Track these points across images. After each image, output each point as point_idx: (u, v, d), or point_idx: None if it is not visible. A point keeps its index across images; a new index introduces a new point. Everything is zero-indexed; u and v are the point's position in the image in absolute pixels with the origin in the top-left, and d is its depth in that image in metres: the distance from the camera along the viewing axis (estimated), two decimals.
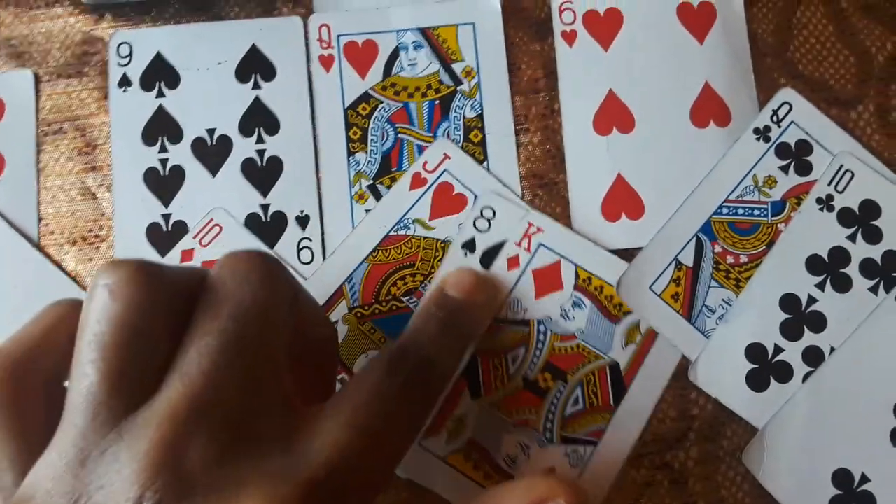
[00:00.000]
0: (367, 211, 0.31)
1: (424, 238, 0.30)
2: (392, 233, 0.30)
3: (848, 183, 0.31)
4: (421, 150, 0.32)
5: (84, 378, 0.18)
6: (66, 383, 0.19)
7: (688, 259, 0.30)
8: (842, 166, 0.31)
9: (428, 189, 0.31)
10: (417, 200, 0.31)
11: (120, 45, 0.32)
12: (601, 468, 0.29)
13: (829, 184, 0.31)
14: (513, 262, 0.30)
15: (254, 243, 0.31)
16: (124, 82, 0.32)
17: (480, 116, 0.32)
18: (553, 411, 0.29)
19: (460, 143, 0.32)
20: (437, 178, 0.31)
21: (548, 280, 0.30)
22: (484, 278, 0.28)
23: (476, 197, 0.31)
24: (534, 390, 0.29)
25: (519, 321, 0.30)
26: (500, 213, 0.30)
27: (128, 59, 0.32)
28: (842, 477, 0.28)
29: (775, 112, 0.31)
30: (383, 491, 0.21)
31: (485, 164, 0.32)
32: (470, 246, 0.30)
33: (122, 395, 0.18)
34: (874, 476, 0.28)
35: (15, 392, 0.19)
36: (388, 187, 0.31)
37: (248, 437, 0.18)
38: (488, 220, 0.30)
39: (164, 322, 0.19)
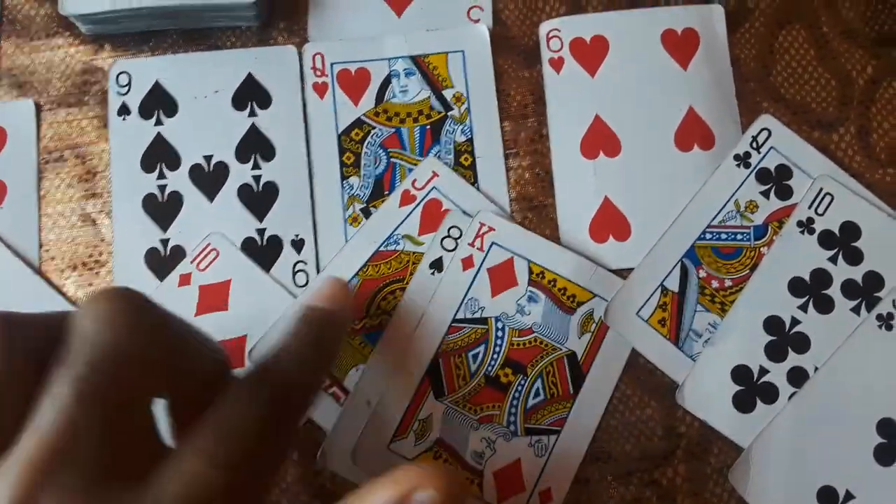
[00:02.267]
0: None
1: (414, 253, 0.31)
2: (382, 248, 0.31)
3: (828, 206, 0.31)
4: None
5: None
6: None
7: (673, 284, 0.31)
8: (821, 189, 0.32)
9: (417, 205, 0.32)
10: (407, 217, 0.32)
11: (119, 74, 0.33)
12: (566, 454, 0.30)
13: (810, 207, 0.31)
14: (467, 262, 0.31)
15: (250, 267, 0.31)
16: (123, 111, 0.33)
17: (470, 141, 0.33)
18: (515, 405, 0.30)
19: (451, 167, 0.32)
20: (426, 195, 0.32)
21: (502, 277, 0.31)
22: (344, 284, 0.27)
23: (463, 212, 0.32)
24: (495, 386, 0.30)
25: (477, 319, 0.31)
26: (467, 232, 0.31)
27: (127, 87, 0.33)
28: (827, 494, 0.29)
29: (755, 138, 0.32)
30: None
31: (476, 186, 0.32)
32: (437, 265, 0.31)
33: None
34: (859, 493, 0.29)
35: None
36: None
37: (106, 488, 0.18)
38: (455, 240, 0.31)
39: (21, 373, 0.19)
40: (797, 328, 0.30)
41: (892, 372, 0.30)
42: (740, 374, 0.30)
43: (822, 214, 0.31)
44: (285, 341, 0.24)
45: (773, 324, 0.31)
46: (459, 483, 0.21)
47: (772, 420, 0.30)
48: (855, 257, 0.31)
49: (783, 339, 0.30)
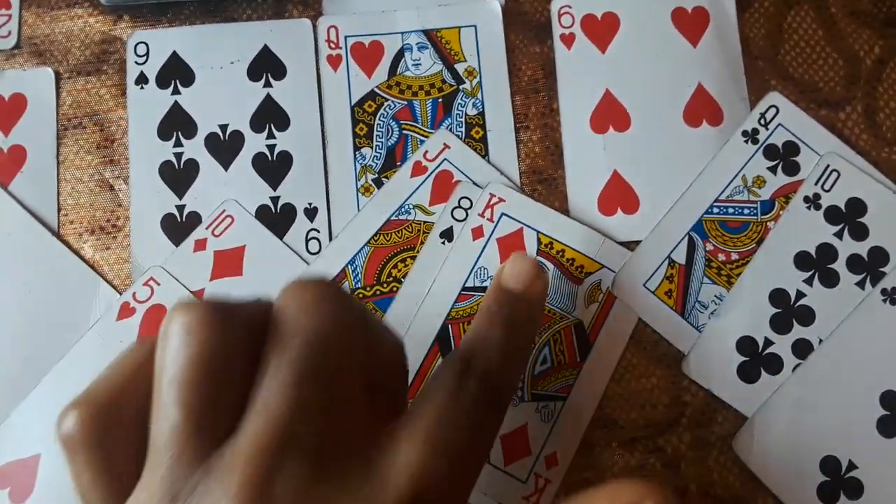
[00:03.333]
0: None
1: (424, 223, 0.32)
2: (393, 217, 0.32)
3: (834, 182, 0.32)
4: None
5: (167, 418, 0.18)
6: (150, 424, 0.19)
7: (680, 257, 0.32)
8: (828, 166, 0.32)
9: (428, 176, 0.32)
10: (418, 187, 0.32)
11: (137, 44, 0.34)
12: (572, 421, 0.30)
13: (816, 183, 0.32)
14: (477, 231, 0.31)
15: (264, 234, 0.32)
16: (141, 80, 0.34)
17: (482, 114, 0.33)
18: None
19: (462, 139, 0.33)
20: (438, 166, 0.32)
21: (512, 247, 0.31)
22: (538, 264, 0.26)
23: (474, 184, 0.32)
24: None
25: (485, 288, 0.31)
26: (478, 202, 0.32)
27: (145, 57, 0.34)
28: (830, 464, 0.29)
29: (763, 115, 0.33)
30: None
31: (486, 158, 0.33)
32: (448, 235, 0.32)
33: (205, 433, 0.18)
34: (861, 463, 0.29)
35: (102, 435, 0.19)
36: None
37: (329, 467, 0.18)
38: (465, 210, 0.32)
39: (239, 359, 0.19)
40: (802, 301, 0.31)
41: (895, 344, 0.30)
42: (745, 345, 0.31)
43: (828, 190, 0.32)
44: (483, 328, 0.24)
45: (778, 296, 0.31)
46: (677, 499, 0.21)
47: (776, 390, 0.30)
48: (860, 232, 0.31)
49: (788, 311, 0.31)
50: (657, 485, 0.20)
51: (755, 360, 0.31)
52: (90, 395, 0.20)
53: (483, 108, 0.33)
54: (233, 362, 0.19)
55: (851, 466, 0.29)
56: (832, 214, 0.32)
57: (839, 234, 0.31)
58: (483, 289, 0.31)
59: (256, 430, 0.18)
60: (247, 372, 0.19)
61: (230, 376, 0.19)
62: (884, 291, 0.31)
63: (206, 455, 0.18)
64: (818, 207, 0.32)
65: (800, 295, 0.31)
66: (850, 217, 0.31)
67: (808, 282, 0.31)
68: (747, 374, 0.30)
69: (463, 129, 0.33)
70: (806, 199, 0.32)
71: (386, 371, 0.23)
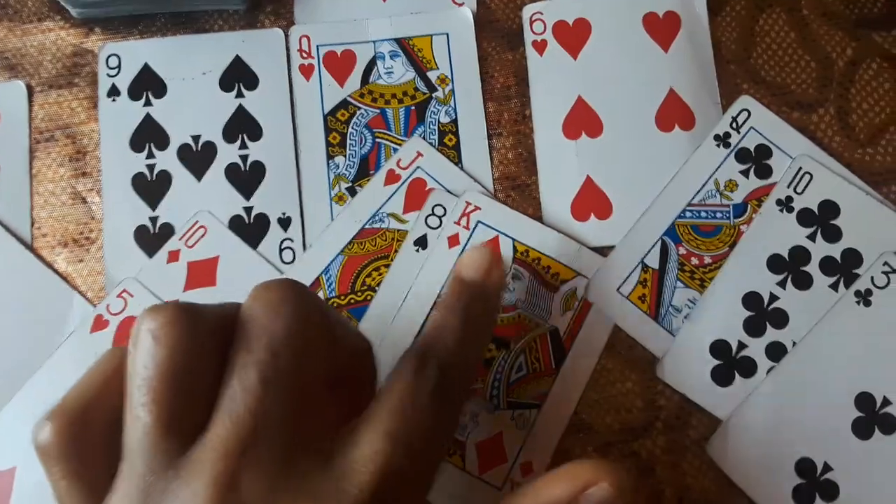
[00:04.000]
0: None
1: (398, 231, 0.32)
2: (367, 226, 0.32)
3: (807, 185, 0.32)
4: None
5: (137, 421, 0.19)
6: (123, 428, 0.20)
7: (654, 262, 0.32)
8: (800, 169, 0.32)
9: (402, 185, 0.32)
10: (392, 195, 0.32)
11: (109, 56, 0.34)
12: (547, 428, 0.30)
13: (789, 186, 0.32)
14: (453, 239, 0.31)
15: (238, 244, 0.32)
16: (113, 92, 0.33)
17: (455, 122, 0.33)
18: (499, 378, 0.30)
19: (436, 147, 0.33)
20: (411, 174, 0.32)
21: None
22: (496, 255, 0.27)
23: (448, 191, 0.32)
24: None
25: None
26: (451, 209, 0.32)
27: (116, 70, 0.34)
28: (805, 466, 0.29)
29: (734, 119, 0.33)
30: (430, 488, 0.21)
31: (459, 166, 0.33)
32: (422, 243, 0.31)
33: (175, 436, 0.18)
34: (836, 465, 0.29)
35: (77, 444, 0.20)
36: None
37: (294, 465, 0.19)
38: (439, 218, 0.32)
39: (206, 360, 0.19)
40: (776, 304, 0.31)
41: (871, 346, 0.30)
42: (719, 348, 0.31)
43: (801, 193, 0.32)
44: (440, 318, 0.24)
45: (751, 299, 0.31)
46: (633, 477, 0.22)
47: (750, 393, 0.30)
48: (833, 235, 0.31)
49: (762, 314, 0.31)
50: (614, 465, 0.21)
51: (729, 364, 0.31)
52: (64, 406, 0.20)
53: (456, 115, 0.33)
54: (201, 364, 0.19)
55: (826, 468, 0.29)
56: (805, 217, 0.32)
57: (812, 237, 0.31)
58: None
59: (222, 433, 0.18)
60: (215, 372, 0.20)
61: (198, 378, 0.19)
62: (857, 293, 0.31)
63: (176, 456, 0.18)
64: (791, 210, 0.32)
65: (773, 298, 0.31)
66: (823, 219, 0.32)
67: (782, 284, 0.31)
68: (721, 377, 0.30)
69: (436, 137, 0.33)
70: (778, 201, 0.32)
71: (350, 369, 0.23)
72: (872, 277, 0.31)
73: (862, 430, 0.30)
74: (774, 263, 0.31)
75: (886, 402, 0.30)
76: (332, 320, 0.22)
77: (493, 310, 0.26)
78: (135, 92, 0.33)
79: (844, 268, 0.31)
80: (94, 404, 0.20)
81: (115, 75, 0.34)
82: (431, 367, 0.22)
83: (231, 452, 0.18)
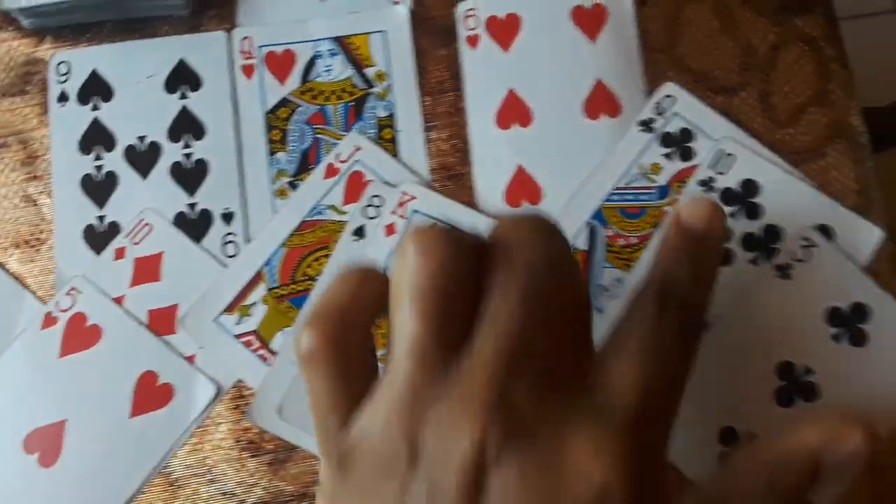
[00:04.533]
0: None
1: (338, 222, 0.33)
2: (307, 218, 0.33)
3: (729, 165, 0.33)
4: None
5: (408, 327, 0.19)
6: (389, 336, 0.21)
7: (582, 244, 0.33)
8: (723, 150, 0.33)
9: (341, 178, 0.34)
10: (331, 188, 0.33)
11: (59, 64, 0.35)
12: None
13: (711, 167, 0.33)
14: (390, 228, 0.33)
15: (182, 240, 0.33)
16: (62, 98, 0.35)
17: (392, 116, 0.35)
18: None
19: (374, 140, 0.34)
20: (350, 167, 0.34)
21: None
22: (718, 206, 0.27)
23: (386, 183, 0.34)
24: None
25: None
26: (389, 200, 0.33)
27: (66, 76, 0.35)
28: (727, 435, 0.30)
29: (658, 104, 0.34)
30: (673, 423, 0.22)
31: (397, 158, 0.34)
32: (360, 233, 0.33)
33: (444, 341, 0.19)
34: (760, 432, 0.30)
35: (340, 344, 0.21)
36: None
37: (555, 381, 0.20)
38: (377, 208, 0.33)
39: (469, 278, 0.20)
40: None
41: (790, 317, 0.31)
42: None
43: (723, 173, 0.33)
44: (670, 260, 0.25)
45: None
46: (877, 432, 0.22)
47: None
48: (754, 212, 0.33)
49: None
50: (869, 419, 0.22)
51: None
52: (322, 312, 0.21)
53: (393, 109, 0.35)
54: (465, 279, 0.20)
55: (751, 436, 0.31)
56: (727, 196, 0.33)
57: (734, 215, 0.33)
58: None
59: (491, 342, 0.19)
60: (475, 293, 0.20)
61: (464, 292, 0.20)
62: (777, 267, 0.32)
63: (445, 364, 0.19)
64: (713, 190, 0.33)
65: None
66: (745, 198, 0.33)
67: None
68: None
69: (374, 131, 0.35)
70: (701, 182, 0.33)
71: (586, 312, 0.24)
72: (792, 251, 0.32)
73: (783, 397, 0.31)
74: None
75: (808, 370, 0.31)
76: (574, 258, 0.24)
77: (719, 254, 0.27)
78: (83, 97, 0.35)
79: (765, 243, 0.32)
80: (350, 311, 0.21)
81: (65, 81, 0.35)
82: (673, 306, 0.23)
83: (499, 361, 0.19)
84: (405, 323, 0.20)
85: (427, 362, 0.19)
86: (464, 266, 0.20)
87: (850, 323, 0.31)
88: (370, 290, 0.22)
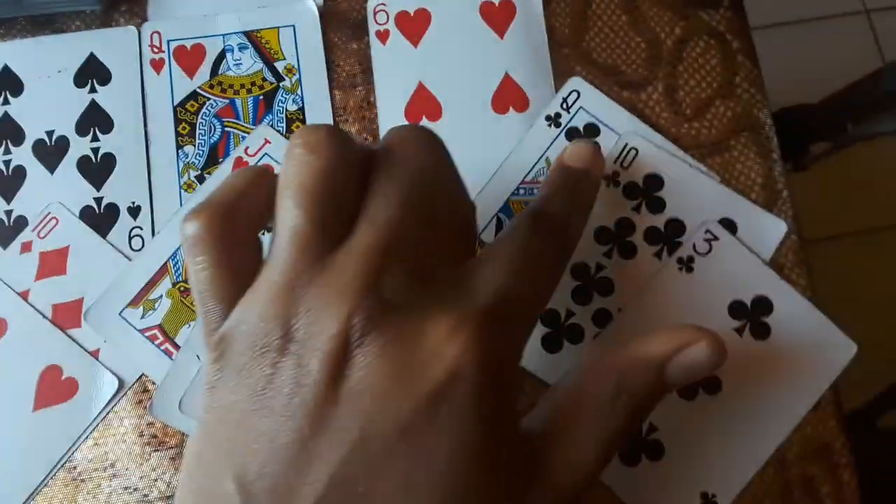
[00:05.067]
0: None
1: None
2: None
3: (633, 160, 0.33)
4: None
5: (291, 219, 0.21)
6: (269, 231, 0.22)
7: (489, 237, 0.33)
8: (626, 145, 0.34)
9: None
10: None
11: None
12: None
13: (615, 161, 0.33)
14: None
15: (88, 234, 0.33)
16: None
17: (302, 109, 0.35)
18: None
19: (283, 134, 0.34)
20: (258, 160, 0.34)
21: None
22: (599, 149, 0.30)
23: None
24: None
25: None
26: None
27: None
28: None
29: (565, 100, 0.34)
30: (531, 331, 0.24)
31: None
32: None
33: (324, 234, 0.20)
34: (662, 425, 0.31)
35: (225, 234, 0.21)
36: None
37: (427, 275, 0.21)
38: None
39: (354, 177, 0.22)
40: (602, 273, 0.32)
41: (691, 309, 0.32)
42: (548, 317, 0.32)
43: (626, 168, 0.33)
44: (548, 191, 0.27)
45: (579, 270, 0.32)
46: (725, 350, 0.24)
47: (573, 358, 0.31)
48: (657, 206, 0.33)
49: (589, 283, 0.32)
50: (712, 330, 0.24)
51: (558, 331, 0.32)
52: (210, 202, 0.22)
53: (303, 103, 0.35)
54: (349, 177, 0.22)
55: (652, 429, 0.31)
56: (630, 190, 0.33)
57: (637, 209, 0.33)
58: None
59: (365, 238, 0.21)
60: (358, 193, 0.22)
61: (347, 189, 0.21)
62: (679, 260, 0.32)
63: (323, 254, 0.20)
64: (617, 185, 0.33)
65: (599, 267, 0.32)
66: (648, 192, 0.33)
67: (608, 255, 0.33)
68: (551, 344, 0.32)
69: (284, 125, 0.35)
70: (606, 177, 0.33)
71: (466, 219, 0.25)
72: (694, 244, 0.32)
73: (686, 391, 0.31)
74: (601, 235, 0.33)
75: None
76: (458, 174, 0.25)
77: (593, 196, 0.29)
78: None
79: (668, 237, 0.33)
80: (238, 205, 0.22)
81: None
82: (543, 226, 0.25)
83: (374, 253, 0.20)
84: (288, 216, 0.21)
85: (306, 253, 0.20)
86: (349, 166, 0.22)
87: (752, 316, 0.32)
88: (260, 188, 0.22)
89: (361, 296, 0.19)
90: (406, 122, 0.34)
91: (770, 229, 0.33)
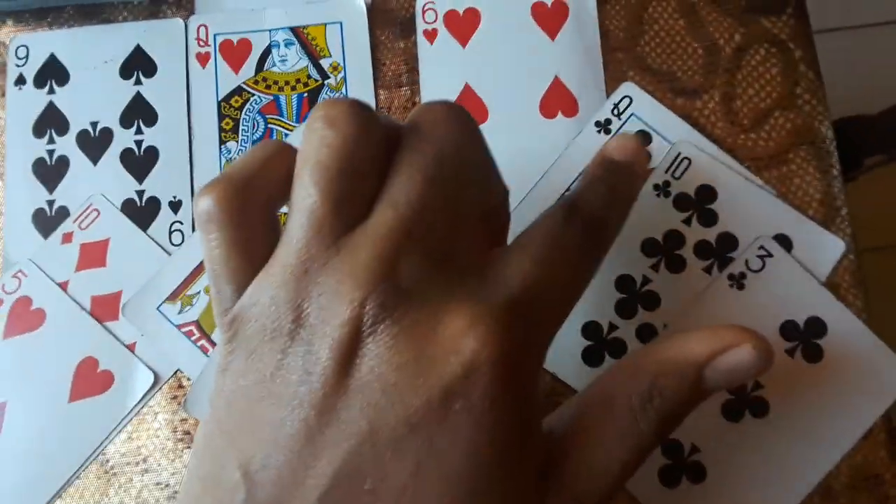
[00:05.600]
0: None
1: (283, 213, 0.32)
2: None
3: (685, 170, 0.32)
4: None
5: (307, 198, 0.19)
6: (285, 209, 0.21)
7: None
8: (679, 154, 0.32)
9: None
10: None
11: (18, 47, 0.35)
12: None
13: (667, 171, 0.32)
14: None
15: (129, 227, 0.33)
16: (20, 81, 0.35)
17: None
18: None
19: None
20: None
21: None
22: (637, 140, 0.28)
23: None
24: None
25: None
26: None
27: (24, 60, 0.35)
28: (673, 450, 0.30)
29: (616, 105, 0.33)
30: (557, 329, 0.22)
31: None
32: None
33: (341, 215, 0.19)
34: (705, 447, 0.30)
35: (240, 211, 0.20)
36: None
37: (449, 262, 0.20)
38: None
39: (376, 154, 0.20)
40: (648, 286, 0.31)
41: None
42: (590, 329, 0.31)
43: (678, 178, 0.32)
44: (587, 183, 0.25)
45: (624, 282, 0.31)
46: (772, 350, 0.22)
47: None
48: (709, 219, 0.32)
49: (633, 296, 0.31)
50: (756, 331, 0.22)
51: (600, 345, 0.31)
52: (226, 177, 0.21)
53: None
54: (370, 154, 0.20)
55: (694, 450, 0.30)
56: (682, 202, 0.32)
57: (688, 221, 0.32)
58: None
59: (384, 220, 0.19)
60: (381, 171, 0.20)
61: (367, 167, 0.20)
62: (731, 276, 0.31)
63: (339, 235, 0.19)
64: (668, 195, 0.32)
65: (646, 280, 0.31)
66: (700, 204, 0.32)
67: (655, 268, 0.31)
68: (591, 357, 0.31)
69: None
70: (655, 186, 0.32)
71: (498, 208, 0.24)
72: (747, 261, 0.31)
73: (732, 412, 0.30)
74: (648, 247, 0.32)
75: (758, 384, 0.30)
76: (489, 152, 0.23)
77: (636, 188, 0.27)
78: (39, 80, 0.35)
79: (719, 252, 0.31)
80: (255, 180, 0.21)
81: (23, 65, 0.35)
82: (579, 217, 0.23)
83: (392, 235, 0.19)
84: (304, 195, 0.20)
85: (322, 234, 0.19)
86: (371, 143, 0.20)
87: (804, 337, 0.30)
88: (279, 164, 0.21)
89: (376, 281, 0.18)
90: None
91: (827, 248, 0.32)
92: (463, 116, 0.22)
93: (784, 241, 0.31)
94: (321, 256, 0.19)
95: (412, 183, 0.20)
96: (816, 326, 0.31)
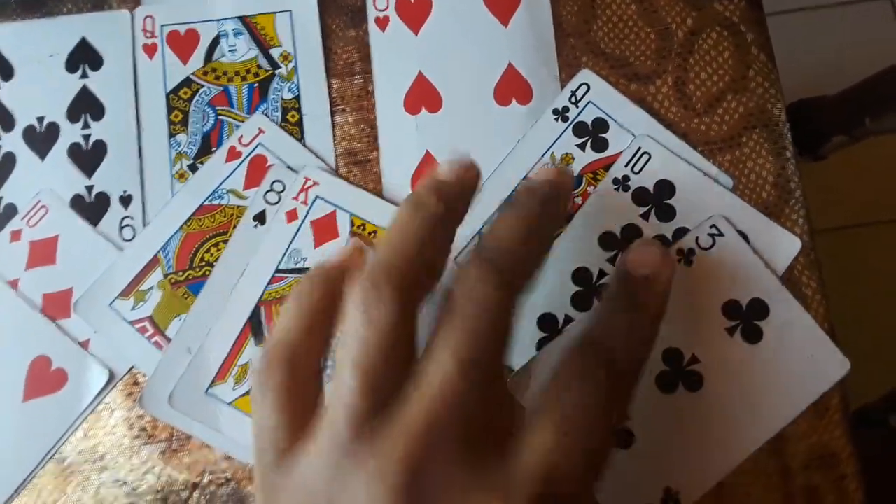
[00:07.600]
0: None
1: (238, 207, 0.32)
2: (206, 202, 0.32)
3: (644, 164, 0.32)
4: None
5: (344, 384, 0.20)
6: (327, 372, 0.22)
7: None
8: (639, 149, 0.32)
9: (242, 161, 0.33)
10: (232, 172, 0.33)
11: None
12: None
13: (627, 165, 0.32)
14: (291, 214, 0.32)
15: (79, 223, 0.32)
16: None
17: (297, 98, 0.34)
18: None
19: (278, 123, 0.33)
20: (252, 150, 0.33)
21: (325, 230, 0.32)
22: (665, 250, 0.26)
23: (289, 168, 0.33)
24: None
25: (300, 269, 0.32)
26: (290, 185, 0.32)
27: None
28: None
29: (573, 93, 0.33)
30: (596, 480, 0.21)
31: (302, 142, 0.33)
32: (261, 218, 0.32)
33: (373, 403, 0.20)
34: (635, 415, 0.30)
35: (288, 378, 0.21)
36: None
37: (475, 458, 0.20)
38: (278, 193, 0.32)
39: (411, 330, 0.21)
40: (604, 280, 0.31)
41: (686, 305, 0.30)
42: (546, 321, 0.31)
43: (637, 173, 0.32)
44: (606, 317, 0.24)
45: (580, 275, 0.31)
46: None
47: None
48: (667, 214, 0.32)
49: (589, 289, 0.31)
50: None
51: (555, 337, 0.31)
52: (279, 341, 0.22)
53: (299, 92, 0.34)
54: (406, 336, 0.21)
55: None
56: (640, 196, 0.32)
57: (645, 216, 0.32)
58: (297, 270, 0.32)
59: (415, 415, 0.19)
60: (415, 345, 0.21)
61: (401, 354, 0.21)
62: (679, 252, 0.31)
63: (370, 423, 0.20)
64: (627, 189, 0.32)
65: (602, 274, 0.31)
66: (658, 199, 0.32)
67: (611, 261, 0.31)
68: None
69: (279, 114, 0.34)
70: (615, 180, 0.32)
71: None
72: (697, 238, 0.31)
73: (666, 384, 0.30)
74: (606, 241, 0.32)
75: (694, 359, 0.30)
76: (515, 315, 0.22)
77: (662, 306, 0.25)
78: None
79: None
80: (302, 343, 0.22)
81: None
82: (600, 367, 0.22)
83: (419, 433, 0.19)
84: (343, 378, 0.20)
85: (356, 420, 0.20)
86: (408, 327, 0.21)
87: (745, 318, 0.31)
88: (326, 322, 0.22)
89: (400, 495, 0.19)
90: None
91: (784, 245, 0.32)
92: (495, 279, 0.21)
93: (742, 238, 0.31)
94: (351, 448, 0.20)
95: (445, 367, 0.20)
96: (759, 308, 0.31)
